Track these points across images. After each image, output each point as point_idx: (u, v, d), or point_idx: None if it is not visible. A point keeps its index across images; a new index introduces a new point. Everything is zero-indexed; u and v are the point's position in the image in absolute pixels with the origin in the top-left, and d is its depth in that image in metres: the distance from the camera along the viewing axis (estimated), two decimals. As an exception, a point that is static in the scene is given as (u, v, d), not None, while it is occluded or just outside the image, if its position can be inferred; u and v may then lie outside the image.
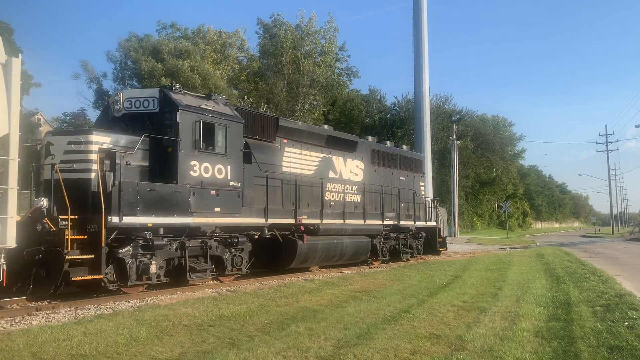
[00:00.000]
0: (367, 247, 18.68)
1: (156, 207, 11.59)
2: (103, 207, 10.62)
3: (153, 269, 11.66)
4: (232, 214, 13.38)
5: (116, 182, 11.04)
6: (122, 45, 42.91)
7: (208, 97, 13.83)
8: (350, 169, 18.65)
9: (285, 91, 43.77)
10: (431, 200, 24.26)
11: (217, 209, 12.98)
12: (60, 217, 10.41)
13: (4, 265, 9.21)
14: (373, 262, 19.85)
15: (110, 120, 13.04)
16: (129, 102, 12.77)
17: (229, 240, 13.57)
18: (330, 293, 12.23)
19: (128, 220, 11.05)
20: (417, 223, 21.95)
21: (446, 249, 24.36)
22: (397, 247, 20.84)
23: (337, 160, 18.08)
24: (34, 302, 10.83)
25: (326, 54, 45.95)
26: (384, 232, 19.87)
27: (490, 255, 26.87)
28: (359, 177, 19.07)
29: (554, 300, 11.08)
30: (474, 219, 70.42)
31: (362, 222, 18.42)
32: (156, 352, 7.05)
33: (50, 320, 9.15)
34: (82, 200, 11.07)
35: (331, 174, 17.71)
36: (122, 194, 10.95)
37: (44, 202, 10.48)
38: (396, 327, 8.42)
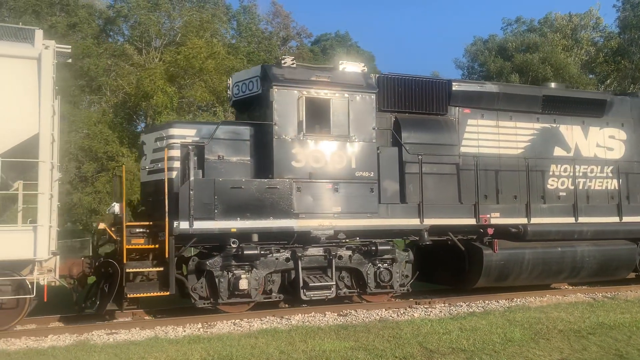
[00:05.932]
0: (628, 256, 12.36)
1: (243, 208, 9.41)
2: (167, 210, 9.01)
3: (243, 284, 9.44)
4: (361, 214, 10.12)
5: (187, 180, 9.28)
6: (468, 51, 43.32)
7: (334, 67, 10.92)
8: (596, 142, 12.73)
9: (657, 65, 36.49)
10: None
11: (336, 208, 9.95)
12: (126, 224, 9.23)
13: (44, 280, 8.46)
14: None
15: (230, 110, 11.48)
16: (237, 87, 10.92)
17: (366, 249, 10.33)
18: None
19: (201, 225, 9.16)
20: None
21: None
22: None
23: (569, 131, 12.50)
24: (158, 316, 10.04)
25: None
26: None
27: None
28: (615, 154, 12.88)
29: None
30: None
31: (615, 219, 12.26)
32: (534, 355, 7.06)
33: (428, 313, 9.77)
34: (163, 203, 9.69)
35: (557, 151, 12.34)
36: (193, 193, 9.12)
37: (116, 207, 9.48)
38: None
